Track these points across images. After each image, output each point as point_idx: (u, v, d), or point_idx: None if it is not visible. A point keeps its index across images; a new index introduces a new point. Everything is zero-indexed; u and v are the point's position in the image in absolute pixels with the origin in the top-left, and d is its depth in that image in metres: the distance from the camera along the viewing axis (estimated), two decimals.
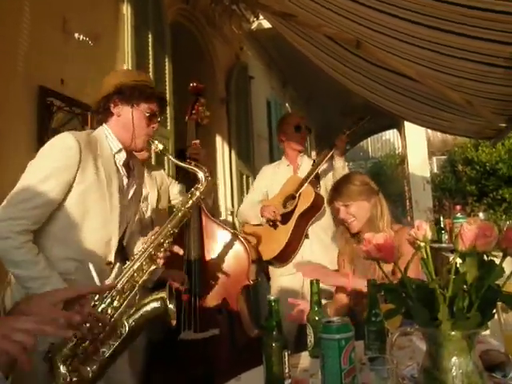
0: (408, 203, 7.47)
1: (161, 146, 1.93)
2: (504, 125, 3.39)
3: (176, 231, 1.85)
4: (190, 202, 1.91)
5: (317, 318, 1.49)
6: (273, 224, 3.21)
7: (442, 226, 2.71)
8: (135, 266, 1.70)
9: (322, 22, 3.08)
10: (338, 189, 2.36)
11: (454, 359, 0.78)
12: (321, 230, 3.25)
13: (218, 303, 2.47)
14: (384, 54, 3.02)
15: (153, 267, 1.74)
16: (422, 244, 0.83)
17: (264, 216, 3.19)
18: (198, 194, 1.93)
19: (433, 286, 0.77)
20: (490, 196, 6.75)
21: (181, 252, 1.90)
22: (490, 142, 5.30)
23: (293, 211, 3.18)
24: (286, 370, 1.28)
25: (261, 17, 5.81)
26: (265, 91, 6.88)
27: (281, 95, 7.80)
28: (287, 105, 8.07)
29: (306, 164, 3.39)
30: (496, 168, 6.40)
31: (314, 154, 8.81)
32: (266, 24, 5.72)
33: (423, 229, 0.83)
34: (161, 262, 1.80)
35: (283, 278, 3.18)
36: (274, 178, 3.41)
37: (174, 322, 1.56)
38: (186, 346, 2.31)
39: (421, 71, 3.03)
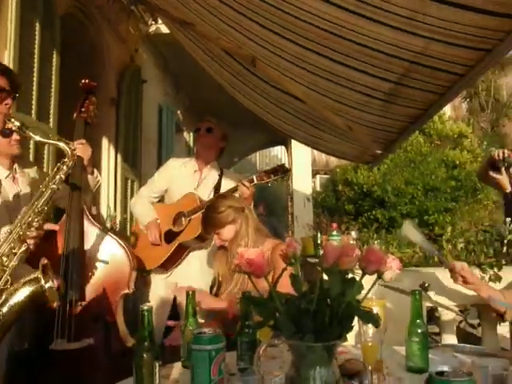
0: (290, 218, 7.77)
1: (17, 123, 1.79)
2: (380, 151, 3.66)
3: (46, 209, 1.76)
4: (58, 177, 1.82)
5: (191, 328, 1.50)
6: None
7: (319, 242, 2.86)
8: (2, 250, 1.58)
9: (220, 35, 3.13)
10: (206, 221, 2.50)
11: (315, 369, 0.84)
12: (201, 253, 3.27)
13: (95, 311, 2.35)
14: (277, 74, 3.13)
15: (23, 248, 1.63)
16: (292, 260, 0.88)
17: (147, 233, 3.22)
18: (65, 168, 1.85)
19: (299, 301, 0.82)
20: (365, 216, 7.21)
21: (56, 228, 1.81)
22: (368, 166, 5.70)
23: (178, 233, 3.17)
24: (157, 382, 1.27)
25: (159, 21, 5.75)
26: (157, 96, 6.80)
27: (174, 102, 7.75)
28: (179, 112, 8.04)
29: (211, 178, 3.37)
30: (371, 190, 6.88)
31: None
32: (165, 29, 5.67)
33: (293, 246, 0.88)
34: (31, 242, 1.69)
35: (161, 287, 3.17)
36: (178, 178, 3.36)
37: (54, 304, 1.46)
38: (57, 356, 2.15)
39: (309, 94, 3.18)
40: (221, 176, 3.39)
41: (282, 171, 3.10)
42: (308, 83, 3.05)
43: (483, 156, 8.44)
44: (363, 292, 0.87)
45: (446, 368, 0.86)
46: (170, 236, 3.21)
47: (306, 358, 0.83)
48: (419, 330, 1.52)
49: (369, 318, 0.85)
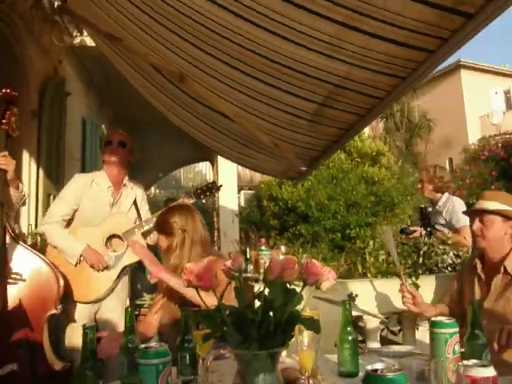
0: (216, 234, 7.80)
1: None
2: (304, 168, 3.80)
3: None
4: None
5: (130, 346, 1.49)
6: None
7: (248, 257, 2.93)
8: None
9: (149, 50, 3.14)
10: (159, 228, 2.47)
11: (260, 375, 0.88)
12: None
13: (19, 334, 2.23)
14: (205, 91, 3.18)
15: None
16: (236, 274, 0.92)
17: (89, 263, 2.93)
18: None
19: (244, 312, 0.87)
20: (290, 231, 7.38)
21: None
22: (293, 182, 5.86)
23: (120, 258, 3.03)
24: None
25: (85, 33, 5.64)
26: (81, 110, 6.63)
27: (98, 116, 7.59)
28: (103, 126, 7.87)
29: (128, 195, 3.22)
30: (296, 206, 7.06)
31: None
32: (90, 41, 5.56)
33: (239, 261, 0.92)
34: None
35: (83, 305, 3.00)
36: (89, 196, 3.10)
37: None
38: None
39: (237, 112, 3.26)
40: (136, 192, 3.27)
41: (216, 188, 3.17)
42: (236, 101, 3.12)
43: (399, 173, 8.92)
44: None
45: (380, 366, 0.94)
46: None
47: (252, 366, 0.88)
48: (349, 337, 1.62)
49: (311, 324, 0.91)
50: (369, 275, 2.85)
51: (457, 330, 1.41)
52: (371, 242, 3.02)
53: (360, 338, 3.21)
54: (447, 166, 20.67)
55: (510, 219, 2.26)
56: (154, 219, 2.91)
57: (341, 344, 1.62)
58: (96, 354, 1.23)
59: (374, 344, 2.82)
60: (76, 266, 2.93)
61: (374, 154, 8.18)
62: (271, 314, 0.88)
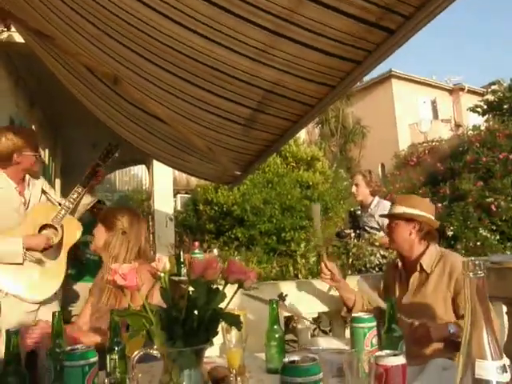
0: (151, 238, 7.70)
1: None
2: (239, 173, 3.83)
3: None
4: None
5: (58, 350, 1.45)
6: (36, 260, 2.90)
7: (182, 260, 2.93)
8: None
9: (81, 50, 3.07)
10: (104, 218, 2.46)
11: (186, 371, 0.91)
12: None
13: None
14: (139, 94, 3.15)
15: None
16: (162, 274, 0.94)
17: (35, 247, 2.86)
18: None
19: (169, 311, 0.88)
20: (226, 235, 7.40)
21: None
22: (228, 187, 5.89)
23: (60, 243, 3.01)
24: None
25: (13, 28, 5.41)
26: (9, 108, 6.35)
27: (28, 115, 7.30)
28: (33, 127, 7.58)
29: (35, 193, 3.16)
30: (231, 210, 7.09)
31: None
32: (19, 37, 5.34)
33: (163, 261, 0.94)
34: None
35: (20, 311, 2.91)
36: None
37: None
38: None
39: (171, 116, 3.25)
40: (43, 189, 3.24)
41: (115, 148, 3.34)
42: (170, 105, 3.11)
43: (333, 177, 9.17)
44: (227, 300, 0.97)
45: (296, 357, 0.99)
46: (53, 252, 2.98)
47: (177, 363, 0.90)
48: (276, 335, 1.67)
49: (233, 321, 0.94)
50: (300, 276, 2.94)
51: (374, 324, 1.50)
52: (302, 245, 3.11)
53: (294, 338, 3.30)
54: (379, 171, 21.46)
55: (413, 221, 2.44)
56: (76, 194, 3.02)
57: (268, 342, 1.67)
58: (20, 359, 1.20)
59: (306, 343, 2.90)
60: (24, 263, 2.85)
61: (309, 158, 8.36)
62: (195, 312, 0.90)
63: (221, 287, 0.95)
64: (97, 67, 3.15)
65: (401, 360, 1.18)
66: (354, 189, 4.26)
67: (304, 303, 2.82)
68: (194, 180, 10.57)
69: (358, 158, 22.17)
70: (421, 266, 2.42)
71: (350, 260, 2.98)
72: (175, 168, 5.24)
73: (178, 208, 11.30)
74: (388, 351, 1.21)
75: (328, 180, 8.29)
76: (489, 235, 10.32)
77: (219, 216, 7.34)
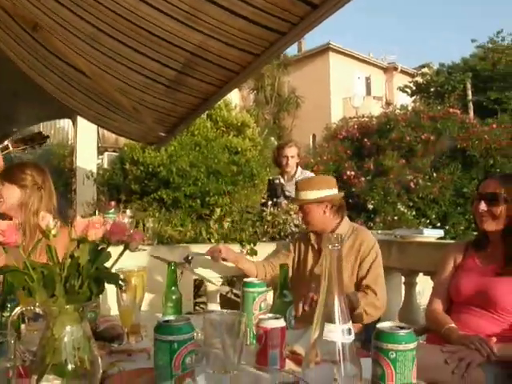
0: (73, 195, 7.50)
1: None
2: (164, 134, 3.80)
3: None
4: None
5: None
6: None
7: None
8: None
9: None
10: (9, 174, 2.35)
11: (67, 328, 0.93)
12: None
13: None
14: (61, 44, 3.03)
15: None
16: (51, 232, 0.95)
17: None
18: None
19: (51, 268, 0.90)
20: (151, 196, 7.31)
21: None
22: (153, 147, 5.81)
23: None
24: None
25: None
26: None
27: None
28: None
29: None
30: (157, 171, 7.00)
31: None
32: None
33: (46, 220, 0.95)
34: None
35: None
36: None
37: None
38: None
39: (95, 71, 3.15)
40: None
41: (40, 139, 3.04)
42: (93, 59, 3.02)
43: (262, 144, 9.24)
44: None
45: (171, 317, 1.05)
46: None
47: (59, 319, 0.92)
48: (174, 297, 1.72)
49: (112, 279, 0.97)
50: (212, 241, 2.99)
51: (264, 289, 1.59)
52: (218, 210, 3.16)
53: (203, 300, 3.39)
54: (310, 142, 21.86)
55: (323, 202, 2.54)
56: None
57: (165, 303, 1.71)
58: None
59: (214, 306, 2.99)
60: None
61: (240, 124, 8.35)
62: (78, 270, 0.92)
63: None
64: (16, 10, 2.99)
65: (280, 323, 1.27)
66: (286, 160, 4.25)
67: (213, 267, 2.88)
68: (122, 138, 10.32)
69: (291, 127, 22.42)
70: None
71: (265, 227, 3.07)
72: (99, 125, 5.11)
73: (105, 166, 11.02)
74: (270, 315, 1.30)
75: (257, 147, 8.34)
76: (406, 211, 10.86)
77: (145, 176, 7.21)
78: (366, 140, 12.70)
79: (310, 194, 2.54)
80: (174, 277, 1.74)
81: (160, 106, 3.31)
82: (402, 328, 1.00)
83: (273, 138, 13.46)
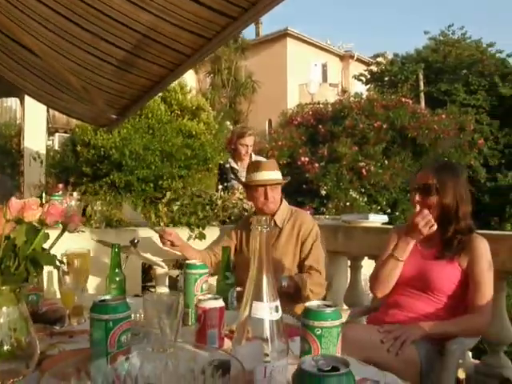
0: (21, 177, 7.27)
1: None
2: (115, 116, 3.74)
3: None
4: None
5: None
6: None
7: (44, 202, 2.85)
8: None
9: None
10: None
11: (3, 309, 0.93)
12: None
13: None
14: (7, 21, 2.93)
15: None
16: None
17: None
18: None
19: None
20: (103, 179, 7.18)
21: None
22: (104, 130, 5.70)
23: None
24: None
25: None
26: None
27: None
28: None
29: None
30: (110, 153, 6.86)
31: None
32: None
33: None
34: None
35: None
36: None
37: None
38: None
39: (45, 50, 3.07)
40: None
41: None
42: (42, 38, 2.94)
43: (217, 128, 9.21)
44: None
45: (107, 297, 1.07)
46: None
47: None
48: (117, 278, 1.74)
49: (49, 260, 0.97)
50: (161, 224, 2.99)
51: (206, 271, 1.62)
52: (168, 193, 3.15)
53: (153, 284, 3.39)
54: (266, 127, 21.93)
55: (280, 183, 2.62)
56: None
57: (109, 284, 1.72)
58: None
59: (162, 288, 3.00)
60: None
61: (195, 108, 8.27)
62: (15, 251, 0.92)
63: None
64: None
65: (219, 303, 1.32)
66: (246, 149, 4.24)
67: (162, 250, 2.87)
68: (74, 119, 10.06)
69: (247, 112, 22.41)
70: (274, 222, 2.59)
71: (215, 211, 3.09)
72: (49, 106, 4.97)
73: (56, 147, 10.72)
74: (210, 295, 1.34)
75: (212, 131, 8.30)
76: (358, 197, 11.13)
77: (97, 159, 7.05)
78: (320, 126, 12.87)
79: (278, 174, 2.62)
80: (118, 259, 1.75)
81: (110, 88, 3.25)
82: (328, 306, 1.04)
83: (228, 123, 13.40)
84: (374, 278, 2.18)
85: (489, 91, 18.14)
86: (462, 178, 2.12)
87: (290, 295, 2.35)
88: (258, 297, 0.98)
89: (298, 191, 10.93)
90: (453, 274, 2.03)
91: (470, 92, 18.03)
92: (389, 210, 11.15)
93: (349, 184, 11.26)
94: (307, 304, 1.04)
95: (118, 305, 1.07)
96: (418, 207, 2.08)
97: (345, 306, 3.17)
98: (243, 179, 4.16)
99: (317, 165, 11.61)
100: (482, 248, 2.02)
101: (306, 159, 11.66)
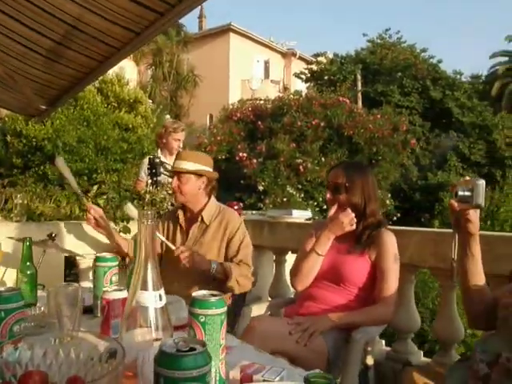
0: None
1: None
2: (44, 107, 3.66)
3: None
4: None
5: None
6: None
7: None
8: None
9: None
10: None
11: None
12: None
13: None
14: None
15: None
16: None
17: None
18: None
19: None
20: (34, 171, 6.97)
21: None
22: (33, 121, 5.54)
23: None
24: None
25: None
26: None
27: None
28: None
29: None
30: (42, 145, 6.68)
31: None
32: None
33: None
34: None
35: None
36: None
37: None
38: None
39: None
40: None
41: None
42: None
43: (155, 122, 9.13)
44: None
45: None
46: None
47: None
48: (28, 272, 1.76)
49: None
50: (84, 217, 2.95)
51: (115, 264, 1.67)
52: (95, 187, 3.13)
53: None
54: (208, 122, 21.87)
55: (202, 176, 2.61)
56: None
57: (21, 277, 1.73)
58: None
59: (87, 283, 2.98)
60: None
61: (132, 100, 8.18)
62: None
63: None
64: None
65: (123, 294, 1.38)
66: (178, 143, 4.18)
67: (85, 244, 2.85)
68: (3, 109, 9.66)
69: (188, 106, 22.27)
70: (202, 218, 2.62)
71: (143, 206, 3.09)
72: None
73: None
74: (115, 287, 1.40)
75: (150, 125, 8.23)
76: (295, 193, 11.35)
77: (28, 150, 6.84)
78: (259, 123, 13.01)
79: (193, 166, 2.58)
80: (29, 252, 1.76)
81: (38, 77, 3.19)
82: (213, 296, 1.09)
83: (168, 116, 13.28)
84: (295, 272, 2.27)
85: (421, 94, 18.97)
86: (370, 177, 2.25)
87: (219, 285, 2.39)
88: (143, 286, 1.04)
89: (236, 186, 11.04)
90: (363, 267, 2.15)
91: (404, 94, 18.79)
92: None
93: (286, 180, 11.46)
94: (194, 293, 1.08)
95: (11, 295, 1.11)
96: (334, 207, 2.19)
97: (269, 298, 3.27)
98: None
99: (255, 161, 11.74)
100: (389, 242, 2.15)
101: (245, 155, 11.77)
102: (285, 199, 11.11)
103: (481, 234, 2.37)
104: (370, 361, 2.34)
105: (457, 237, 1.51)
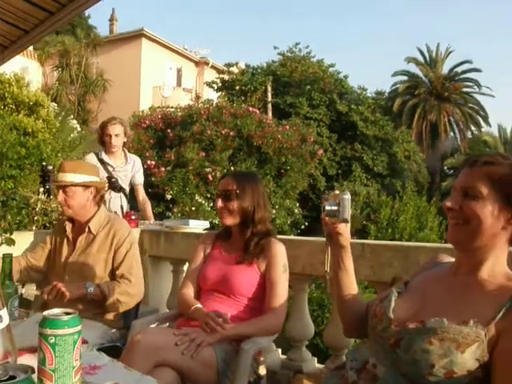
0: None
1: None
2: None
3: None
4: None
5: None
6: None
7: None
8: None
9: None
10: None
11: None
12: None
13: None
14: None
15: None
16: None
17: None
18: None
19: None
20: None
21: None
22: None
23: None
24: None
25: None
26: None
27: None
28: None
29: None
30: None
31: None
32: None
33: None
34: None
35: None
36: None
37: None
38: None
39: None
40: None
41: None
42: None
43: (58, 127, 8.76)
44: None
45: None
46: None
47: None
48: (8, 290, 1.74)
49: None
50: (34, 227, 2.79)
51: None
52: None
53: None
54: None
55: (89, 187, 2.55)
56: None
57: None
58: None
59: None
60: None
61: (33, 103, 7.80)
62: None
63: None
64: None
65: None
66: (110, 139, 3.88)
67: None
68: None
69: (97, 111, 21.55)
70: (89, 229, 2.54)
71: (33, 216, 2.95)
72: None
73: None
74: None
75: (52, 129, 7.88)
76: (203, 202, 11.33)
77: None
78: (169, 131, 12.89)
79: (79, 178, 2.50)
80: (10, 269, 1.78)
81: None
82: (67, 314, 1.03)
83: (75, 121, 12.78)
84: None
85: (329, 107, 19.75)
86: (259, 185, 2.31)
87: (99, 302, 2.34)
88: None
89: None
90: (252, 278, 2.19)
91: (313, 106, 19.46)
92: None
93: (195, 189, 11.42)
94: (45, 313, 1.02)
95: None
96: (221, 214, 2.23)
97: (167, 310, 3.23)
98: (118, 175, 3.95)
99: (163, 169, 11.60)
100: (278, 252, 2.20)
101: (153, 163, 11.58)
102: (193, 208, 11.06)
103: (367, 243, 2.50)
104: (262, 371, 2.38)
105: (329, 249, 1.58)
